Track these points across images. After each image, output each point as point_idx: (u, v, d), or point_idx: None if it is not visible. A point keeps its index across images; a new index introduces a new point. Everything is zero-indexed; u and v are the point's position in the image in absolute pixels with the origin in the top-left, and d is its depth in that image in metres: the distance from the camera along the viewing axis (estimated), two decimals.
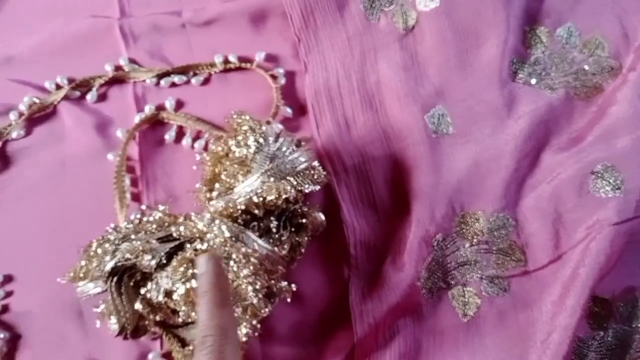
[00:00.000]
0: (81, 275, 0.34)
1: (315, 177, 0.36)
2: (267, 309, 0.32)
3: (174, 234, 0.33)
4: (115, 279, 0.32)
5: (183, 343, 0.35)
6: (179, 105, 0.45)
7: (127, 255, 0.32)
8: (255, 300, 0.31)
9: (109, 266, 0.32)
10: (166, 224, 0.35)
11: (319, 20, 0.45)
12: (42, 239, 0.40)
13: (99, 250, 0.33)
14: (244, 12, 0.47)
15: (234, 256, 0.31)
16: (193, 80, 0.45)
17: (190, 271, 0.31)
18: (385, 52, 0.45)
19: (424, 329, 0.39)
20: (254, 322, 0.32)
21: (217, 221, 0.33)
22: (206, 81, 0.46)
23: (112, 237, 0.34)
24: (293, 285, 0.34)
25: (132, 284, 0.33)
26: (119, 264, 0.32)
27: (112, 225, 0.36)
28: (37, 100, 0.44)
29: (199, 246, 0.32)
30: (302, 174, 0.35)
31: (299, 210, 0.36)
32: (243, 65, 0.46)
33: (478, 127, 0.42)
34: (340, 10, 0.46)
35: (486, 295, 0.39)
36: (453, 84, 0.44)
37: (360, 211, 0.41)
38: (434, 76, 0.44)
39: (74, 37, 0.47)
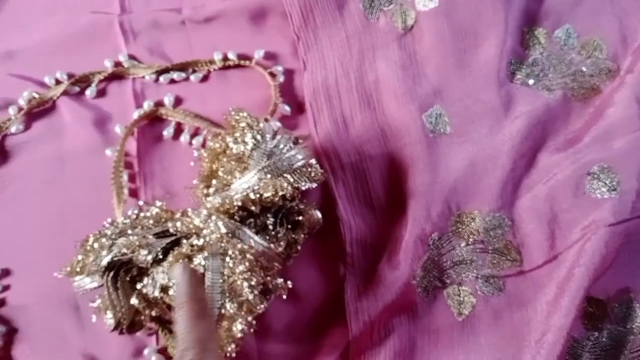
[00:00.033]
0: (78, 269, 0.34)
1: (312, 174, 0.36)
2: (262, 306, 0.32)
3: (171, 230, 0.33)
4: (111, 273, 0.32)
5: None
6: (178, 101, 0.45)
7: (124, 250, 0.32)
8: (250, 297, 0.31)
9: (105, 261, 0.32)
10: (163, 220, 0.35)
11: (319, 18, 0.46)
12: (39, 233, 0.41)
13: (96, 245, 0.34)
14: (244, 10, 0.47)
15: (230, 252, 0.31)
16: (192, 77, 0.46)
17: None
18: (384, 52, 0.45)
19: (419, 327, 0.39)
20: (249, 318, 0.32)
21: (213, 217, 0.33)
22: (205, 78, 0.46)
23: (109, 232, 0.34)
24: (289, 282, 0.34)
25: (128, 279, 0.33)
26: (116, 258, 0.32)
27: (109, 220, 0.36)
28: (36, 95, 0.44)
29: (195, 242, 0.32)
30: (299, 171, 0.36)
31: (296, 207, 0.36)
32: (242, 62, 0.46)
33: (475, 127, 0.43)
34: (340, 9, 0.46)
35: (481, 294, 0.39)
36: (451, 83, 0.44)
37: (357, 209, 0.41)
38: (432, 76, 0.44)
39: (74, 32, 0.47)
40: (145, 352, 0.38)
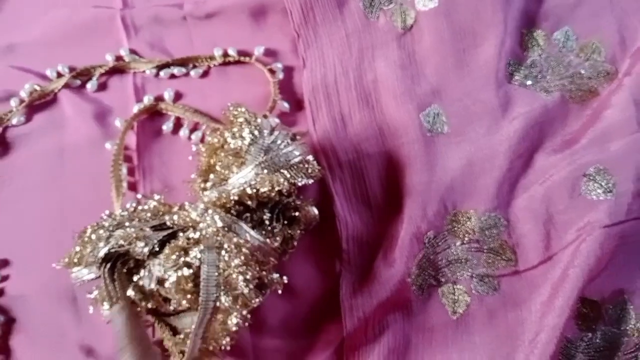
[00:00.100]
0: (75, 260, 0.34)
1: (309, 171, 0.36)
2: (257, 300, 0.32)
3: (168, 223, 0.34)
4: (108, 265, 0.33)
5: (174, 331, 0.35)
6: (178, 96, 0.45)
7: (121, 242, 0.33)
8: (245, 290, 0.31)
9: (102, 252, 0.33)
10: (160, 213, 0.35)
11: (319, 16, 0.46)
12: (38, 225, 0.41)
13: (93, 236, 0.34)
14: (245, 7, 0.47)
15: (225, 246, 0.32)
16: (192, 73, 0.46)
17: (182, 259, 0.31)
18: (383, 51, 0.45)
19: (413, 325, 0.39)
20: (245, 312, 0.32)
21: (210, 211, 0.33)
22: (205, 74, 0.46)
23: (106, 224, 0.34)
24: (284, 278, 0.34)
25: (125, 270, 0.33)
26: (113, 250, 0.33)
27: (107, 212, 0.36)
28: (38, 88, 0.44)
29: (191, 235, 0.32)
30: (295, 167, 0.36)
31: (292, 203, 0.36)
32: (242, 59, 0.46)
33: (473, 127, 0.43)
34: (340, 8, 0.46)
35: (476, 293, 0.39)
36: (449, 83, 0.44)
37: (354, 206, 0.41)
38: (430, 75, 0.44)
39: (76, 26, 0.47)
40: None
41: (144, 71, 0.46)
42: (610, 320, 0.38)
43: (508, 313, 0.39)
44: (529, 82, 0.45)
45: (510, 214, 0.41)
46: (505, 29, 0.45)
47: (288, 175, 0.35)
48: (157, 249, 0.32)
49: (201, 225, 0.33)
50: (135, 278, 0.33)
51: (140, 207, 0.36)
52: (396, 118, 0.43)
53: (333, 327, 0.39)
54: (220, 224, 0.33)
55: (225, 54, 0.46)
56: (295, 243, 0.37)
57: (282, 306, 0.39)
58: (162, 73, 0.46)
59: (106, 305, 0.33)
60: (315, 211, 0.38)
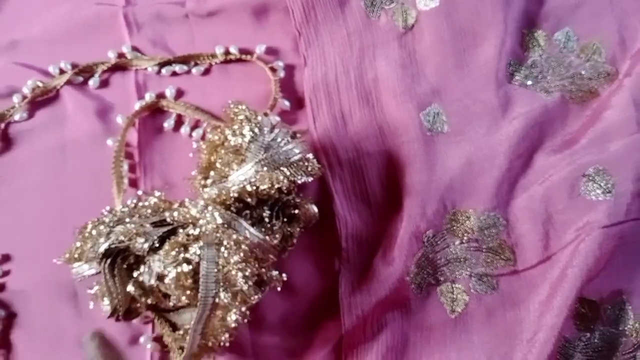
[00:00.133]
0: (76, 256, 0.34)
1: (309, 169, 0.36)
2: (256, 296, 0.32)
3: (168, 219, 0.34)
4: (108, 260, 0.33)
5: (174, 327, 0.35)
6: (179, 94, 0.46)
7: (121, 238, 0.33)
8: (245, 287, 0.31)
9: (102, 248, 0.33)
10: (161, 209, 0.35)
11: (320, 15, 0.46)
12: (40, 220, 0.41)
13: (94, 232, 0.34)
14: (247, 5, 0.47)
15: (225, 242, 0.32)
16: (194, 70, 0.46)
17: (182, 255, 0.32)
18: (384, 50, 0.45)
19: (411, 323, 0.39)
20: (243, 308, 0.32)
21: (210, 208, 0.33)
22: (207, 71, 0.46)
23: (107, 220, 0.34)
24: (284, 275, 0.34)
25: (125, 266, 0.33)
26: (113, 246, 0.33)
27: (108, 208, 0.36)
28: (40, 84, 0.45)
29: (191, 231, 0.33)
30: (295, 165, 0.36)
31: (292, 201, 0.36)
32: (243, 57, 0.46)
33: (473, 127, 0.43)
34: (341, 7, 0.46)
35: (474, 292, 0.40)
36: (450, 83, 0.44)
37: (353, 205, 0.41)
38: (431, 75, 0.45)
39: (79, 23, 0.47)
40: (141, 339, 0.38)
41: (145, 68, 0.46)
42: (609, 320, 0.38)
43: (506, 312, 0.39)
44: (529, 83, 0.45)
45: (510, 214, 0.41)
46: (506, 29, 0.45)
47: (288, 173, 0.35)
48: (157, 245, 0.33)
49: (201, 221, 0.33)
50: (135, 274, 0.33)
51: (140, 204, 0.36)
52: (396, 117, 0.43)
53: (332, 324, 0.39)
54: (220, 220, 0.33)
55: (227, 52, 0.46)
56: (295, 241, 0.37)
57: (281, 303, 0.39)
58: (163, 70, 0.46)
59: (106, 301, 0.33)
60: (315, 209, 0.38)
